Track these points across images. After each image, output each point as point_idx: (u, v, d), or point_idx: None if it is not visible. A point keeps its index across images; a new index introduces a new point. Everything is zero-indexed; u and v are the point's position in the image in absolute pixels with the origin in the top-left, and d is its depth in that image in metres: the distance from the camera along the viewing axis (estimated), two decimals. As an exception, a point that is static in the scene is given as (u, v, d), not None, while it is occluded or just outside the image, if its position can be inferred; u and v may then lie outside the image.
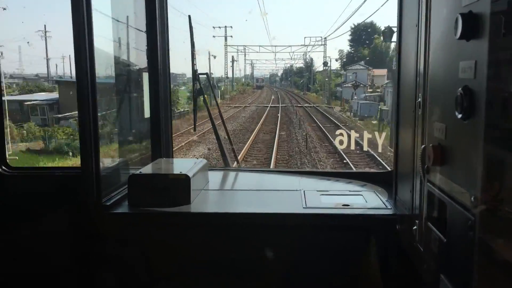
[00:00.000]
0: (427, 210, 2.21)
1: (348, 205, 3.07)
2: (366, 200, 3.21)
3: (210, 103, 4.69)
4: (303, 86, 74.13)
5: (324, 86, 60.64)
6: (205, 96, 4.41)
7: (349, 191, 3.46)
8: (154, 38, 3.76)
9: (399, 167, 2.94)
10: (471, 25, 1.67)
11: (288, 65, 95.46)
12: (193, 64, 4.20)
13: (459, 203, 1.80)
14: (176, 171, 3.21)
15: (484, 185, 1.59)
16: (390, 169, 3.47)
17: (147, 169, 3.34)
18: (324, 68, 54.71)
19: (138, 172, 3.16)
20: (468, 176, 1.73)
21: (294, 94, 63.54)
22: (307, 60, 75.81)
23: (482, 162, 1.59)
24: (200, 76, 4.31)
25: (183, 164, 3.55)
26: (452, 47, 1.87)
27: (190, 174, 3.10)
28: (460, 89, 1.73)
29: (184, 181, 3.06)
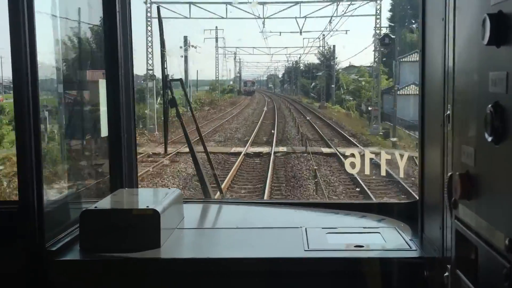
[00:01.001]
0: (455, 253, 2.22)
1: (362, 246, 3.05)
2: (385, 239, 3.20)
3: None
4: (318, 93, 63.48)
5: (361, 94, 47.88)
6: (179, 108, 4.42)
7: (363, 227, 3.46)
8: (113, 34, 3.78)
9: (425, 196, 2.94)
10: (501, 28, 1.69)
11: (292, 61, 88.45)
12: (163, 68, 4.21)
13: (491, 246, 1.81)
14: (142, 205, 3.19)
15: None
16: (414, 199, 3.47)
17: (105, 203, 3.32)
18: (380, 50, 35.19)
19: (92, 207, 3.13)
20: (501, 213, 1.74)
21: (303, 107, 53.58)
22: (324, 50, 63.29)
23: None
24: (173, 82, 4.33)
25: (151, 196, 3.52)
26: (481, 53, 1.90)
27: (159, 209, 3.08)
28: (490, 106, 1.75)
29: (151, 217, 3.03)
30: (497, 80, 1.75)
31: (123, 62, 3.84)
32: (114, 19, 3.77)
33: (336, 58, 60.03)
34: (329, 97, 57.27)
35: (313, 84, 71.81)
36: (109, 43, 3.79)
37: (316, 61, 72.53)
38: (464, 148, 2.09)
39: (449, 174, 2.18)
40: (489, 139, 1.75)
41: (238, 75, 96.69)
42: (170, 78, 4.26)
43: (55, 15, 3.42)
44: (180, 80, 4.57)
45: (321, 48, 63.49)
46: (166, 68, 4.22)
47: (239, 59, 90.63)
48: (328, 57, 61.80)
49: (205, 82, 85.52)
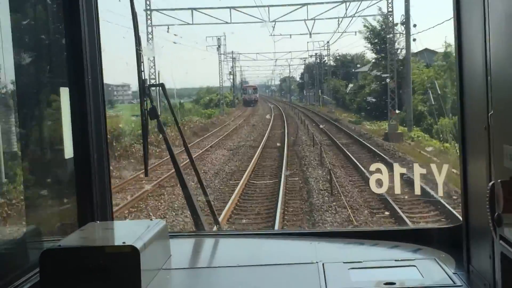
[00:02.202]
0: (502, 281, 2.22)
1: (394, 284, 3.04)
2: (423, 274, 3.19)
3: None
4: (363, 104, 45.90)
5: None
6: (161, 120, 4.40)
7: (395, 260, 3.44)
8: (76, 34, 3.79)
9: (471, 218, 2.93)
10: None
11: (316, 54, 78.59)
12: (139, 72, 4.20)
13: None
14: (118, 240, 3.17)
15: None
16: (458, 223, 3.46)
17: (71, 239, 3.31)
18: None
19: (56, 245, 3.12)
20: None
21: (357, 145, 29.63)
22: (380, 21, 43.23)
23: None
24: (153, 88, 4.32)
25: (128, 230, 3.51)
26: None
27: (139, 245, 3.07)
28: None
29: (129, 256, 3.02)
30: None
31: (89, 66, 3.86)
32: (77, 15, 3.79)
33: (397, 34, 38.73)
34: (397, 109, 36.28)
35: (350, 86, 61.29)
36: (72, 43, 3.80)
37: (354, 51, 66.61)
38: (506, 149, 2.08)
39: (491, 183, 2.16)
40: None
41: (233, 80, 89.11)
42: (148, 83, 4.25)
43: (5, 12, 3.43)
44: (162, 85, 4.55)
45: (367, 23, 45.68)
46: (143, 71, 4.22)
47: (233, 57, 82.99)
48: (385, 29, 42.01)
49: (195, 90, 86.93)
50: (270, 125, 47.50)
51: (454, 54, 3.05)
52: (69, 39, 3.82)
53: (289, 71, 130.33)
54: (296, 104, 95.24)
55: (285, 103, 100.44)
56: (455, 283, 3.01)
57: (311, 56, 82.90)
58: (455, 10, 2.98)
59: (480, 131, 2.54)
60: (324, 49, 74.84)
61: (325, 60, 78.62)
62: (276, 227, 15.38)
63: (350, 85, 64.05)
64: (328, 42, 71.58)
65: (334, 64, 76.16)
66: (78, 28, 3.80)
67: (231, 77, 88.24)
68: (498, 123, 2.25)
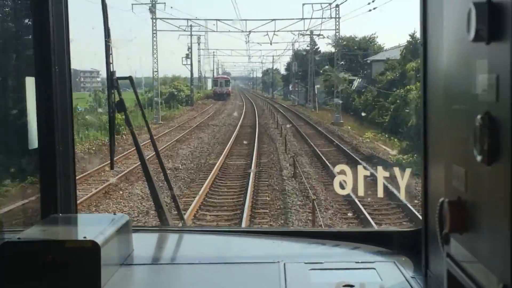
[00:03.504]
0: None
1: (352, 286, 3.03)
2: (381, 277, 3.19)
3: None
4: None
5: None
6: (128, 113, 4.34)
7: (355, 262, 3.44)
8: (44, 20, 3.73)
9: (430, 223, 2.93)
10: (490, 20, 1.68)
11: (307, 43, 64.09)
12: (108, 63, 4.15)
13: None
14: (79, 235, 3.14)
15: None
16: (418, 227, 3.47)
17: (31, 232, 3.24)
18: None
19: (15, 238, 3.05)
20: (494, 251, 1.73)
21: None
22: None
23: (511, 230, 1.59)
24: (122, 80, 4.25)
25: (91, 224, 3.46)
26: (468, 53, 1.90)
27: (100, 240, 3.02)
28: (479, 117, 1.74)
29: (90, 251, 2.97)
30: (486, 85, 1.74)
31: (56, 53, 3.79)
32: (45, 3, 3.72)
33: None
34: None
35: (357, 82, 51.32)
36: (39, 32, 3.73)
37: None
38: (455, 168, 2.09)
39: (440, 200, 2.17)
40: (479, 158, 1.74)
41: (192, 67, 70.47)
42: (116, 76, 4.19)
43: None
44: (130, 78, 4.51)
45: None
46: (112, 63, 4.16)
47: (191, 33, 66.54)
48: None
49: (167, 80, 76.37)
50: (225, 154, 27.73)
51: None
52: (36, 28, 3.75)
53: (272, 59, 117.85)
54: (280, 103, 77.31)
55: (266, 100, 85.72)
56: (412, 287, 3.02)
57: (303, 35, 62.23)
58: (421, 11, 2.96)
59: (439, 141, 2.55)
60: (319, 34, 59.30)
61: (318, 48, 66.98)
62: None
63: (358, 80, 53.27)
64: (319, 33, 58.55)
65: (335, 51, 59.99)
66: (46, 17, 3.73)
67: (188, 62, 70.57)
68: (449, 141, 2.25)
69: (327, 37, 68.73)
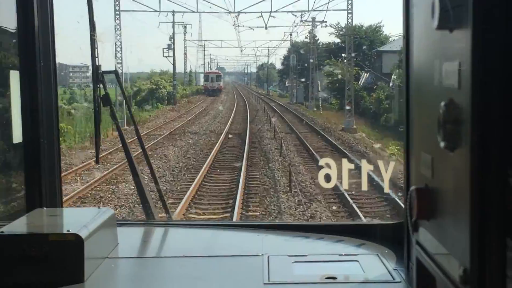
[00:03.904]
0: (416, 286, 2.27)
1: (335, 278, 3.05)
2: (364, 269, 3.21)
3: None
4: None
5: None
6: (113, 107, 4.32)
7: (339, 255, 3.46)
8: (29, 13, 3.70)
9: None
10: (453, 8, 1.71)
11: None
12: (93, 57, 4.13)
13: (449, 278, 1.83)
14: (63, 228, 3.12)
15: (474, 251, 1.62)
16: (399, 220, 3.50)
17: (15, 226, 3.23)
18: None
19: None
20: (456, 236, 1.76)
21: None
22: None
23: (470, 216, 1.63)
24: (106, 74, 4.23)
25: (75, 217, 3.45)
26: (433, 40, 1.93)
27: (83, 233, 3.01)
28: (443, 103, 1.78)
29: (73, 245, 2.96)
30: (449, 72, 1.76)
31: (41, 47, 3.77)
32: None
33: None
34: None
35: (364, 77, 44.87)
36: (23, 22, 3.71)
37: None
38: (422, 155, 2.11)
39: (411, 188, 2.19)
40: (442, 144, 1.77)
41: (174, 59, 60.87)
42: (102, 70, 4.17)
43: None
44: (115, 72, 4.49)
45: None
46: (98, 57, 4.14)
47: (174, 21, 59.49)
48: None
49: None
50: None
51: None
52: (20, 20, 3.72)
53: (268, 52, 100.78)
54: (275, 101, 69.19)
55: (261, 97, 75.75)
56: (394, 279, 3.03)
57: (304, 22, 53.81)
58: (404, 10, 2.97)
59: (420, 130, 2.57)
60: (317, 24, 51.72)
61: (318, 39, 57.24)
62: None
63: (365, 75, 47.72)
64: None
65: (340, 41, 53.58)
66: (31, 9, 3.71)
67: (169, 53, 60.52)
68: (416, 129, 2.27)
69: (330, 26, 61.48)
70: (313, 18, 52.83)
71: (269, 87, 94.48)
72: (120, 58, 43.21)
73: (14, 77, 3.77)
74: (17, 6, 3.73)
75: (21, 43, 3.75)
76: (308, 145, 27.92)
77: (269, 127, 38.01)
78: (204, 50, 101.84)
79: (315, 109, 50.65)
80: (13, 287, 2.94)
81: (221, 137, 31.68)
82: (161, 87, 57.12)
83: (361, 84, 44.39)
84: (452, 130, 1.72)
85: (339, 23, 53.18)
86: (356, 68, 44.58)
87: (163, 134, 32.88)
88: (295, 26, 60.54)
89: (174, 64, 61.31)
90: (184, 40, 74.28)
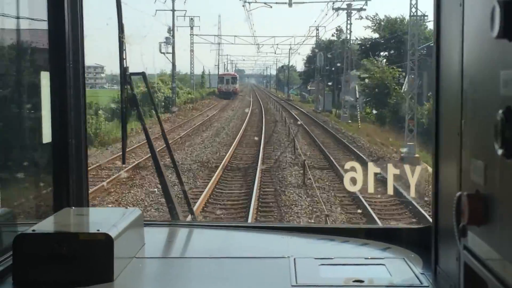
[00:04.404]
0: None
1: (362, 281, 3.05)
2: (391, 273, 3.20)
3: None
4: None
5: None
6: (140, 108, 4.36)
7: (365, 258, 3.46)
8: (60, 16, 3.74)
9: (440, 220, 2.94)
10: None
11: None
12: (121, 59, 4.17)
13: (503, 283, 1.83)
14: (92, 228, 3.15)
15: None
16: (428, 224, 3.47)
17: (45, 225, 3.27)
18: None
19: (29, 230, 3.08)
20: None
21: None
22: None
23: None
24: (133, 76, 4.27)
25: (103, 217, 3.47)
26: (490, 49, 1.94)
27: (113, 233, 3.04)
28: (500, 111, 1.79)
29: (103, 244, 2.99)
30: (509, 80, 1.78)
31: (71, 51, 3.81)
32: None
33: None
34: None
35: (410, 79, 31.11)
36: (55, 27, 3.75)
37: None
38: (473, 162, 2.12)
39: (458, 194, 2.21)
40: (500, 151, 1.78)
41: (174, 58, 52.21)
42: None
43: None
44: (143, 73, 4.53)
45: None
46: (126, 59, 4.18)
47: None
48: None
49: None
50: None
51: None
52: (52, 23, 3.77)
53: (289, 51, 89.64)
54: (298, 107, 58.36)
55: (280, 103, 65.23)
56: (422, 283, 3.02)
57: (337, 10, 44.46)
58: (435, 16, 2.98)
59: (453, 136, 2.56)
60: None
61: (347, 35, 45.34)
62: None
63: (411, 77, 30.90)
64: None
65: (378, 36, 44.25)
66: (62, 12, 3.75)
67: (165, 48, 51.02)
68: (467, 135, 2.28)
69: (366, 18, 49.34)
70: (349, 5, 45.53)
71: (290, 90, 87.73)
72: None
73: (45, 78, 3.82)
74: (48, 8, 3.77)
75: (51, 44, 3.79)
76: (367, 205, 16.33)
77: (292, 154, 26.79)
78: (219, 50, 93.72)
79: (349, 121, 41.20)
80: (44, 284, 2.96)
81: (215, 176, 20.60)
82: (157, 90, 46.46)
83: (405, 89, 35.14)
84: (510, 137, 1.74)
85: (377, 14, 45.15)
86: (399, 70, 39.00)
87: (116, 173, 21.32)
88: (327, 13, 52.65)
89: (173, 63, 52.13)
90: (191, 35, 64.46)
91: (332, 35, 55.58)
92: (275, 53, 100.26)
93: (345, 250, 3.72)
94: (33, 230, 3.08)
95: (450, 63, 2.69)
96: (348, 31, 46.32)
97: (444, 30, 2.87)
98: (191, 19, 61.29)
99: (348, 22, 45.56)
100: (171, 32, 51.59)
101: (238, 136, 33.08)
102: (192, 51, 66.46)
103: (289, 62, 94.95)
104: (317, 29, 61.44)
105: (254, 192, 18.04)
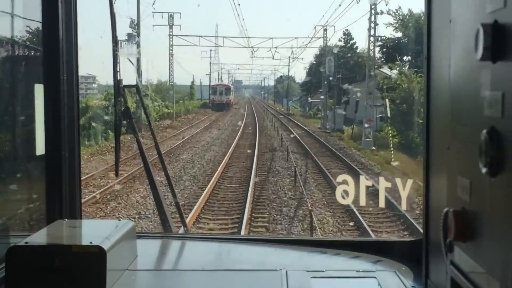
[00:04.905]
0: None
1: None
2: (382, 286, 3.20)
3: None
4: None
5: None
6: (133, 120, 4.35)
7: (356, 271, 3.46)
8: (54, 31, 3.75)
9: (431, 233, 2.95)
10: (497, 40, 1.76)
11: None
12: (115, 72, 4.18)
13: None
14: (85, 240, 3.14)
15: None
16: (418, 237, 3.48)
17: (38, 237, 3.26)
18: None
19: (22, 242, 3.07)
20: (496, 258, 1.78)
21: None
22: None
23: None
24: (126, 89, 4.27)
25: (96, 229, 3.48)
26: (474, 70, 1.97)
27: (106, 245, 3.04)
28: (484, 131, 1.82)
29: (96, 256, 2.99)
30: (492, 101, 1.80)
31: (65, 63, 3.81)
32: (55, 12, 3.75)
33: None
34: None
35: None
36: (49, 40, 3.76)
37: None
38: (460, 179, 2.14)
39: (445, 210, 2.23)
40: (484, 170, 1.81)
41: (137, 61, 35.66)
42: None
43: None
44: (136, 86, 4.54)
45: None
46: (119, 71, 4.18)
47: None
48: None
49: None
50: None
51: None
52: (46, 36, 3.77)
53: (291, 54, 75.94)
54: (301, 124, 47.59)
55: (279, 118, 57.60)
56: None
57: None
58: (426, 30, 3.00)
59: (443, 153, 2.57)
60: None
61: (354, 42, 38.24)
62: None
63: None
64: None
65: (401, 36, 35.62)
66: (56, 25, 3.76)
67: (127, 49, 32.01)
68: (455, 153, 2.31)
69: (387, 13, 39.84)
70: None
71: (289, 102, 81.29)
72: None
73: (39, 90, 3.82)
74: (42, 21, 3.78)
75: (45, 57, 3.80)
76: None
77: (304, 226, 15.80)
78: (211, 56, 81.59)
79: (373, 148, 30.75)
80: None
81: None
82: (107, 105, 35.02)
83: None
84: (494, 156, 1.76)
85: (400, 8, 36.96)
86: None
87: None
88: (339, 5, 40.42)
89: (138, 67, 35.98)
90: (169, 35, 52.36)
91: (339, 40, 48.48)
92: (273, 58, 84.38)
93: (337, 263, 3.71)
94: (26, 242, 3.07)
95: (440, 80, 2.71)
96: (372, 24, 36.60)
97: (434, 46, 2.89)
98: (171, 16, 50.30)
99: (372, 12, 36.61)
100: (136, 25, 40.77)
101: (217, 172, 21.80)
102: (171, 55, 54.44)
103: (289, 69, 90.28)
104: (325, 30, 51.06)
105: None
